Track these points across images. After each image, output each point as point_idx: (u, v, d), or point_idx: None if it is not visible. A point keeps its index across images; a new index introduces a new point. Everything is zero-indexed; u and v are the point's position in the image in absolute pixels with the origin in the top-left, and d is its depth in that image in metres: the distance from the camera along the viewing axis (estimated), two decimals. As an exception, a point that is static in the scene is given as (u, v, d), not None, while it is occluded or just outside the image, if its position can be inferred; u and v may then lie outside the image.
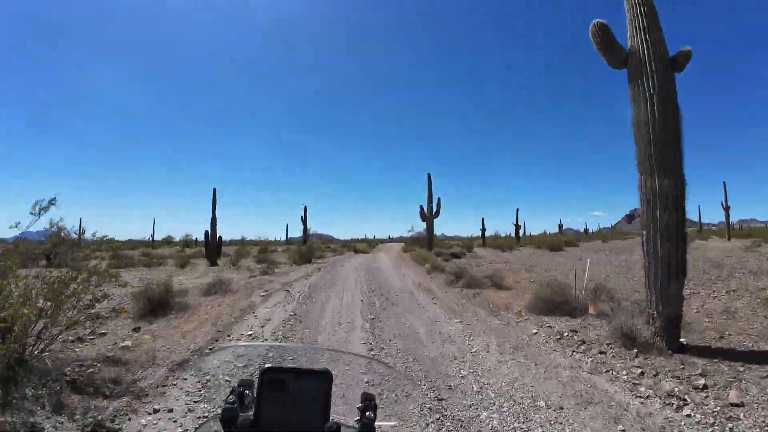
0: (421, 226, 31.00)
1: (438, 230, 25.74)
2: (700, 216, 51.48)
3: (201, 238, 23.84)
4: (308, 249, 19.27)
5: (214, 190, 24.14)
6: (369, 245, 38.42)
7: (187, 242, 42.36)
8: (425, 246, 25.94)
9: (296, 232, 39.63)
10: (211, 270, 16.40)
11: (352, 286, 10.20)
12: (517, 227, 38.44)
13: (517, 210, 39.32)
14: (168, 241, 46.21)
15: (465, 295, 8.68)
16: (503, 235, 48.97)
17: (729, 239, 36.55)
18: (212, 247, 23.26)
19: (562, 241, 28.14)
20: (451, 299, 8.25)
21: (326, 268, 15.52)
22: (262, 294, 8.56)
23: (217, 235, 23.94)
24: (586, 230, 73.72)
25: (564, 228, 60.83)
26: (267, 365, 0.92)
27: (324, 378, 0.91)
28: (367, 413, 0.93)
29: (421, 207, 24.41)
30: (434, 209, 24.08)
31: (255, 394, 0.90)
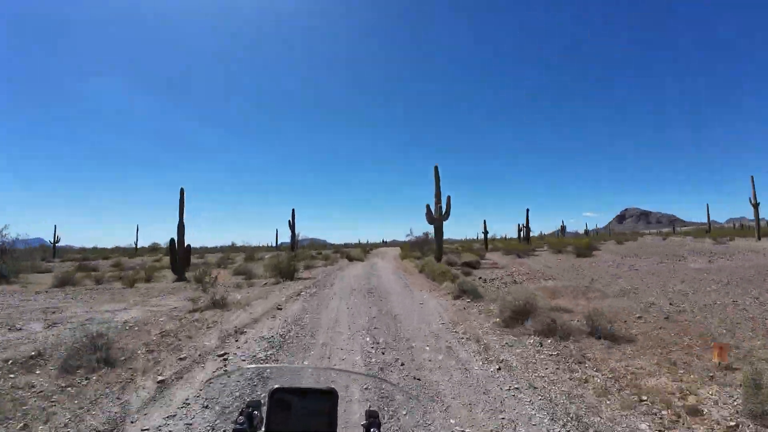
0: (419, 230, 27.18)
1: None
2: (708, 214, 48.78)
3: (192, 244, 20.11)
4: (288, 262, 14.86)
5: (182, 190, 19.79)
6: (363, 251, 34.69)
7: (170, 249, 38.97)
8: (428, 252, 21.97)
9: (287, 236, 35.72)
10: (168, 288, 12.30)
11: (346, 335, 6.09)
12: (528, 229, 34.80)
13: (527, 210, 35.75)
14: (154, 248, 43.18)
15: (556, 358, 4.66)
16: (499, 237, 45.54)
17: (759, 239, 33.37)
18: (178, 257, 19.01)
19: (586, 243, 24.39)
20: (540, 375, 4.22)
21: (310, 289, 11.42)
22: (161, 378, 4.12)
23: (185, 244, 19.71)
24: (586, 231, 71.72)
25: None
26: (275, 386, 0.90)
27: (330, 396, 0.90)
28: (372, 430, 0.93)
29: (428, 207, 20.40)
30: (443, 209, 20.09)
31: (264, 414, 0.90)
